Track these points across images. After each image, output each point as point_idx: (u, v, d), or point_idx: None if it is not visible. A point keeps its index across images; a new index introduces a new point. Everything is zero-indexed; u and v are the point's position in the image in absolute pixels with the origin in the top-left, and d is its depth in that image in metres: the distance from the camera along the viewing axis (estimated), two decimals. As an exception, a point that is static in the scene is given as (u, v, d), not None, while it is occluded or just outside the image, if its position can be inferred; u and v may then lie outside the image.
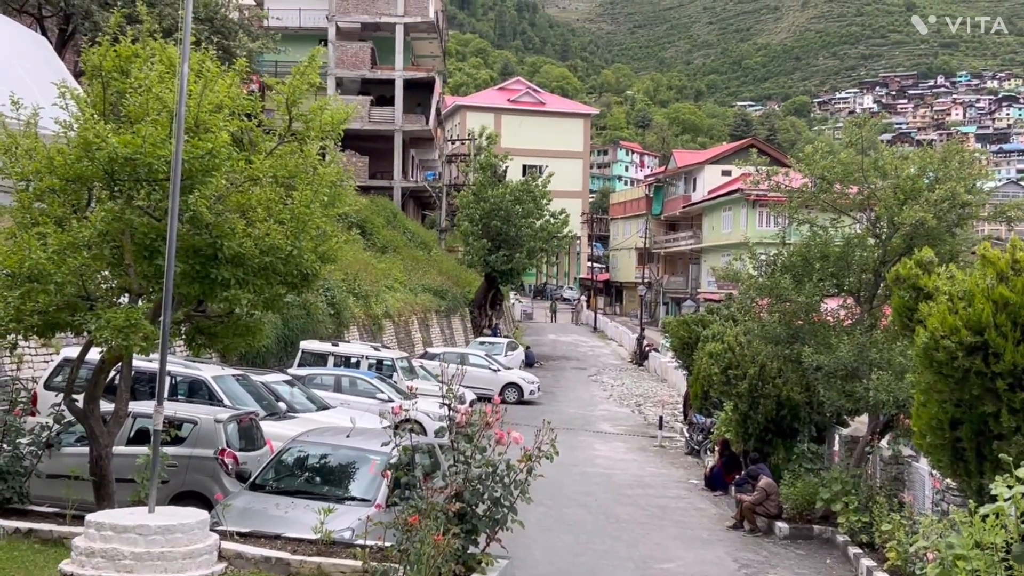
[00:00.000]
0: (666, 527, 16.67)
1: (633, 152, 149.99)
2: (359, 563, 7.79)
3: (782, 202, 19.81)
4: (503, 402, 10.94)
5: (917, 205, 16.07)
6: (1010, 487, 6.54)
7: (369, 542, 8.32)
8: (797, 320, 17.47)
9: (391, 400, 21.00)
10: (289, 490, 11.09)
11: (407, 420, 11.09)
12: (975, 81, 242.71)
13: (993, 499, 8.07)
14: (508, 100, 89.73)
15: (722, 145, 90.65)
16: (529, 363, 42.73)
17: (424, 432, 18.52)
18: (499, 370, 33.99)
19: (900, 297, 9.84)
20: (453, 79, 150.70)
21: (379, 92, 53.34)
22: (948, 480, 13.42)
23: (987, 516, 6.29)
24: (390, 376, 24.72)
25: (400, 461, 8.55)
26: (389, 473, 8.89)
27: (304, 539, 9.33)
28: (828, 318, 18.00)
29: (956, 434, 8.37)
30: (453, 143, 66.41)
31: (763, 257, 18.76)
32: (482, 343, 40.26)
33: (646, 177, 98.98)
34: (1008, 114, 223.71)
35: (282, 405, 17.05)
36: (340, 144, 12.21)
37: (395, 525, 6.66)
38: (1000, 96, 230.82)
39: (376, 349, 26.40)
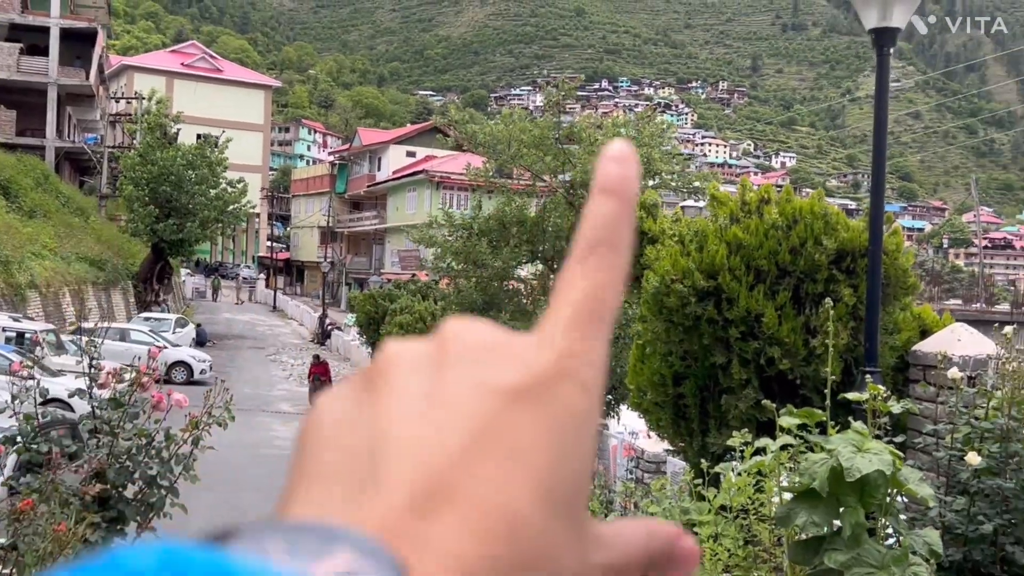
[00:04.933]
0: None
1: (316, 132, 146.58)
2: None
3: (467, 185, 19.19)
4: (168, 382, 9.11)
5: (613, 170, 15.89)
6: (746, 443, 5.81)
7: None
8: (493, 285, 16.83)
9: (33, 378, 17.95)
10: None
11: (50, 401, 8.94)
12: (635, 87, 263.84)
13: (716, 458, 7.50)
14: (182, 64, 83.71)
15: (407, 127, 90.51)
16: (201, 341, 39.70)
17: (73, 411, 15.96)
18: (166, 347, 30.96)
19: (623, 242, 9.21)
20: (121, 41, 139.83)
21: (31, 40, 47.08)
22: (643, 446, 13.24)
23: (738, 476, 5.54)
24: (32, 351, 21.37)
25: (23, 430, 6.52)
26: (2, 448, 6.80)
27: None
28: (521, 285, 17.57)
29: (679, 390, 7.76)
30: (118, 101, 60.52)
31: (459, 222, 17.97)
32: (147, 319, 36.75)
33: (331, 153, 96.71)
34: (663, 120, 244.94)
35: None
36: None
37: (2, 514, 4.81)
38: (656, 103, 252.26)
39: (16, 320, 22.81)
